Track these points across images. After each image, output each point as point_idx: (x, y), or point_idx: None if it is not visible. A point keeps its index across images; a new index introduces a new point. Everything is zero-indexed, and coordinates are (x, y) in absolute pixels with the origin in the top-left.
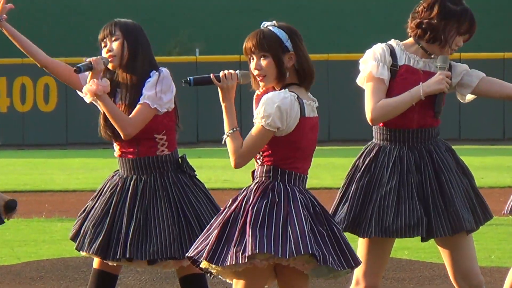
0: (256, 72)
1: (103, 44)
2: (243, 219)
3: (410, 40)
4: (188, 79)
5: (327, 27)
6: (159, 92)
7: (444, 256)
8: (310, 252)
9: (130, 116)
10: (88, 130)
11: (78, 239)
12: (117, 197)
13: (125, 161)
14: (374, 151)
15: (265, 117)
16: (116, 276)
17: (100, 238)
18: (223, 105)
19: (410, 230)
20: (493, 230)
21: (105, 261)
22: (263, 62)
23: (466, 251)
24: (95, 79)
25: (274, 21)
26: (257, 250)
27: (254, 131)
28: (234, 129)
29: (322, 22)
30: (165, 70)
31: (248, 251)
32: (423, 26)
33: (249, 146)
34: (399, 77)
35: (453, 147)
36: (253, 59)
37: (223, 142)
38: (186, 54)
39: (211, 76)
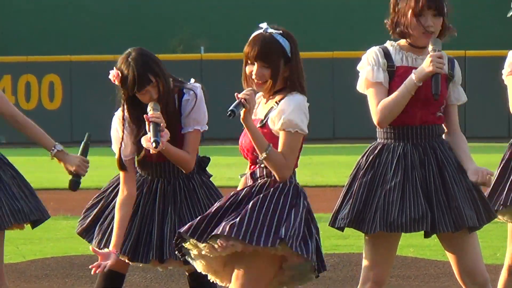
0: (255, 78)
1: (142, 93)
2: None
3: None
4: (232, 111)
5: (332, 24)
6: (202, 114)
7: (449, 254)
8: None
9: (186, 148)
10: (93, 128)
11: (102, 238)
12: (145, 199)
13: (151, 164)
14: (377, 149)
15: (301, 125)
16: (124, 275)
17: (131, 239)
18: (246, 125)
19: (414, 224)
20: (498, 228)
21: (131, 262)
22: (265, 71)
23: (471, 249)
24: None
25: (281, 30)
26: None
27: (290, 139)
28: (270, 145)
29: (327, 19)
30: (199, 90)
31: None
32: (387, 25)
33: (291, 156)
34: (397, 77)
35: None
36: (253, 64)
37: (261, 159)
38: (191, 52)
39: (243, 102)
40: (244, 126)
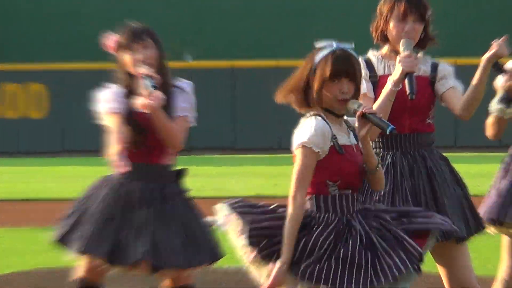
0: (342, 96)
1: (140, 44)
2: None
3: (386, 47)
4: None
5: (330, 30)
6: (191, 105)
7: (439, 266)
8: None
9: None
10: (80, 138)
11: (84, 242)
12: (123, 200)
13: (133, 165)
14: None
15: None
16: (100, 285)
17: (111, 242)
18: (367, 141)
19: None
20: (489, 239)
21: (111, 265)
22: (350, 87)
23: (461, 261)
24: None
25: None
26: None
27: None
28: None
29: (323, 27)
30: (190, 86)
31: None
32: (371, 30)
33: None
34: (380, 88)
35: (449, 154)
36: (333, 80)
37: (374, 172)
38: (178, 60)
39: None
40: (363, 143)
